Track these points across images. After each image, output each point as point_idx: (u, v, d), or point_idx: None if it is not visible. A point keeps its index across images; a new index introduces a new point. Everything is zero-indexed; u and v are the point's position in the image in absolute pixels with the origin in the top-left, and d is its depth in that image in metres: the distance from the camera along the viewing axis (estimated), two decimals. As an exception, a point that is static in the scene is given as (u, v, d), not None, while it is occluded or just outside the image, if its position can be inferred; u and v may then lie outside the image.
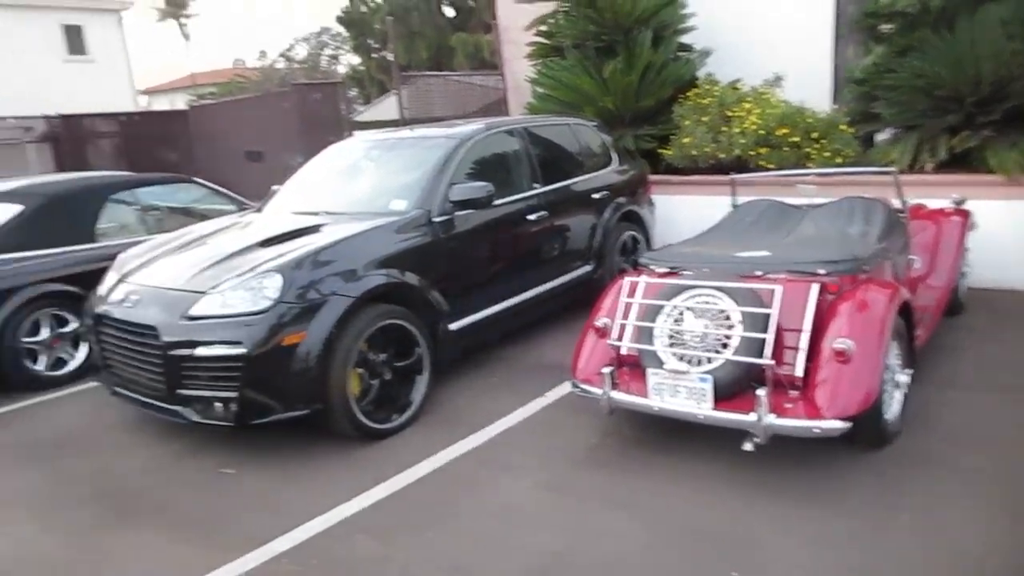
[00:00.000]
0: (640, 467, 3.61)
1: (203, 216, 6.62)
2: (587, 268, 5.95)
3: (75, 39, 18.93)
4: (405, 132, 5.77)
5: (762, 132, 6.96)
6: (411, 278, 4.35)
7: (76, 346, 5.55)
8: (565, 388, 4.48)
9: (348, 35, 29.12)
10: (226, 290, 3.85)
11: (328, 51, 31.80)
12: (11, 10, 17.77)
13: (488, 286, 5.00)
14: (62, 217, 5.73)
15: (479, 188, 4.67)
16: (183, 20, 35.63)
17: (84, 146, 12.51)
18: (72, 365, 5.51)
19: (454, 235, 4.69)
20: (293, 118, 10.18)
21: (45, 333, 5.38)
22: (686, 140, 7.43)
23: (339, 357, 3.87)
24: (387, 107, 14.83)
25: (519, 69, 11.16)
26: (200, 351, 3.72)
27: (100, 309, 4.26)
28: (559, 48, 8.43)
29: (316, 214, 4.82)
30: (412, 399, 4.32)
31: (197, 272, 4.08)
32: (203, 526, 3.40)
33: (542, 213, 5.41)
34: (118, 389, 4.28)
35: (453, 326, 4.64)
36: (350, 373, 3.92)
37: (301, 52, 31.51)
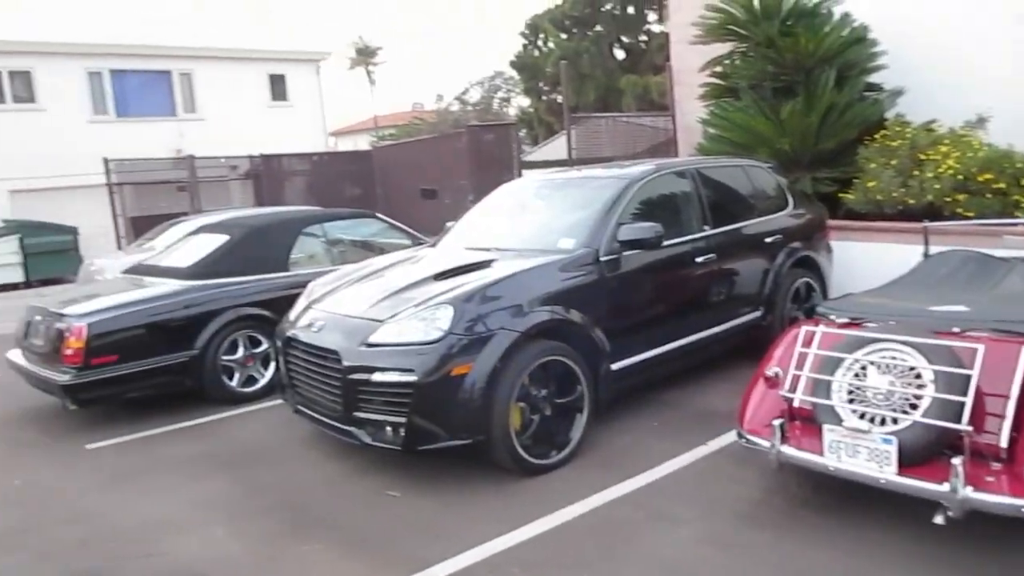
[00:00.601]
0: (809, 530, 3.37)
1: (382, 249, 7.05)
2: (756, 314, 5.72)
3: (278, 87, 21.10)
4: (574, 172, 5.87)
5: (960, 177, 6.42)
6: (575, 316, 4.38)
7: (266, 366, 6.05)
8: (729, 437, 4.32)
9: (520, 78, 30.24)
10: (402, 320, 4.06)
11: (500, 94, 33.24)
12: (229, 62, 20.19)
13: (652, 327, 4.93)
14: (261, 248, 6.31)
15: (647, 229, 4.64)
16: (371, 67, 38.62)
17: (281, 183, 13.81)
18: (261, 383, 6.00)
19: (620, 275, 4.67)
20: (466, 158, 10.67)
21: (240, 352, 5.91)
22: (871, 184, 7.01)
23: (503, 390, 3.95)
24: (555, 148, 15.16)
25: (690, 110, 11.05)
26: (376, 376, 3.93)
27: (289, 332, 4.62)
28: (733, 89, 8.27)
29: (487, 250, 4.98)
30: (571, 437, 4.32)
31: (376, 302, 4.33)
32: (369, 544, 3.56)
33: (710, 256, 5.28)
34: (300, 407, 4.60)
35: (615, 366, 4.60)
36: (512, 406, 3.99)
37: (475, 95, 33.09)
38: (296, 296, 5.61)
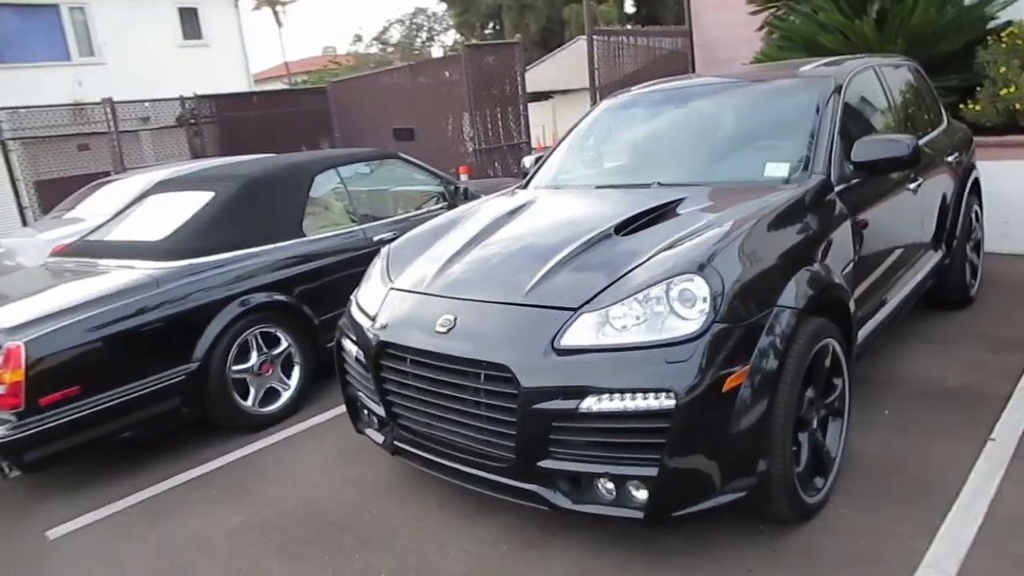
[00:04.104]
0: None
1: (413, 197, 5.37)
2: (938, 256, 4.38)
3: (190, 23, 18.01)
4: (731, 77, 4.25)
5: None
6: (837, 276, 2.90)
7: (288, 372, 4.31)
8: (1016, 424, 3.19)
9: (450, 12, 27.81)
10: (612, 305, 2.45)
11: (424, 32, 30.64)
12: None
13: (883, 282, 3.55)
14: (262, 207, 4.47)
15: (898, 144, 3.18)
16: (279, 7, 34.88)
17: (222, 129, 11.34)
18: (286, 396, 4.27)
19: (854, 210, 3.21)
20: (459, 88, 8.82)
21: (254, 358, 4.13)
22: (1005, 91, 5.76)
23: (783, 401, 2.45)
24: (535, 76, 13.28)
25: (709, 23, 9.61)
26: (590, 405, 2.32)
27: (384, 335, 2.91)
28: (797, -14, 6.82)
29: (645, 186, 3.40)
30: (833, 454, 2.88)
31: (542, 277, 2.68)
32: None
33: (919, 181, 3.89)
34: (404, 447, 2.95)
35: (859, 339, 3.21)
36: (791, 425, 2.51)
37: (396, 35, 30.36)
38: (323, 269, 4.34)
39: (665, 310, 2.38)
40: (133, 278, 3.85)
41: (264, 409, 4.18)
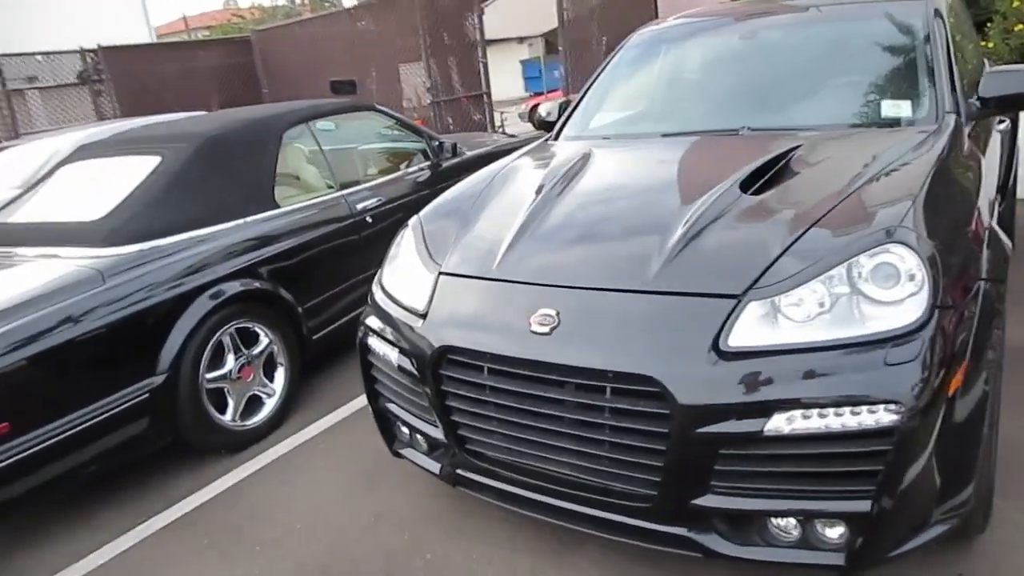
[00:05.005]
0: None
1: (402, 157, 4.62)
2: (996, 204, 3.97)
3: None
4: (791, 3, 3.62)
5: None
6: (1001, 235, 2.38)
7: (270, 375, 3.54)
8: None
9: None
10: (785, 290, 1.83)
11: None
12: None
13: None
14: (225, 172, 3.61)
15: (1034, 75, 2.66)
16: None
17: (130, 86, 9.86)
18: (271, 405, 3.50)
19: (982, 151, 2.72)
20: (405, 35, 7.91)
21: (231, 362, 3.33)
22: (1019, 27, 5.41)
23: (991, 399, 1.94)
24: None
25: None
26: (780, 426, 1.72)
27: (443, 336, 2.20)
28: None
29: (734, 132, 2.78)
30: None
31: (672, 253, 2.02)
32: None
33: (1006, 122, 3.45)
34: (475, 477, 2.28)
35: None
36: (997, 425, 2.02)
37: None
38: (303, 246, 3.68)
39: (856, 293, 1.79)
40: (68, 272, 2.95)
41: (247, 422, 3.40)
